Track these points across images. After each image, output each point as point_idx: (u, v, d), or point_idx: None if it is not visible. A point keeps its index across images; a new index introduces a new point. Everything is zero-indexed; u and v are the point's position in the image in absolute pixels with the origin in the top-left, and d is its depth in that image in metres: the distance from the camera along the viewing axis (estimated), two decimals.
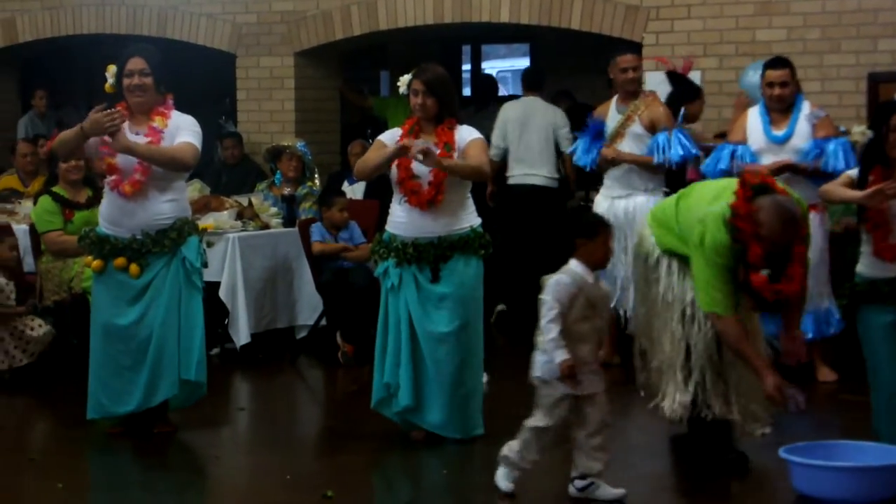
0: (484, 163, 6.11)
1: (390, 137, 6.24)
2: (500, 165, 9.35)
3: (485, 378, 6.44)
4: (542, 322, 5.22)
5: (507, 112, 9.53)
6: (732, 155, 7.38)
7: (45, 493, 5.65)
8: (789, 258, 5.28)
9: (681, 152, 7.65)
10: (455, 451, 6.11)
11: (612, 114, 7.87)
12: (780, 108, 7.34)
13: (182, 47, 11.06)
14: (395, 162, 6.10)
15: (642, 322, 6.03)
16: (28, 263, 8.29)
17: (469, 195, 6.23)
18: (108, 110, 6.10)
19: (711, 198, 5.54)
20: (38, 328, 7.72)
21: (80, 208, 8.00)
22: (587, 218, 5.64)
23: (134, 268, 6.25)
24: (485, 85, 12.02)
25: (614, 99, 7.92)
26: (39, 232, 8.00)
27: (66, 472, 5.91)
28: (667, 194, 7.75)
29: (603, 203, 7.87)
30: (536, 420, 5.30)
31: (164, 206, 6.25)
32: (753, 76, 8.06)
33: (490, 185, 9.26)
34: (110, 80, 6.34)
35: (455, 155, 6.08)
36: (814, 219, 7.13)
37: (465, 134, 6.17)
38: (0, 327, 7.60)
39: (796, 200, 5.42)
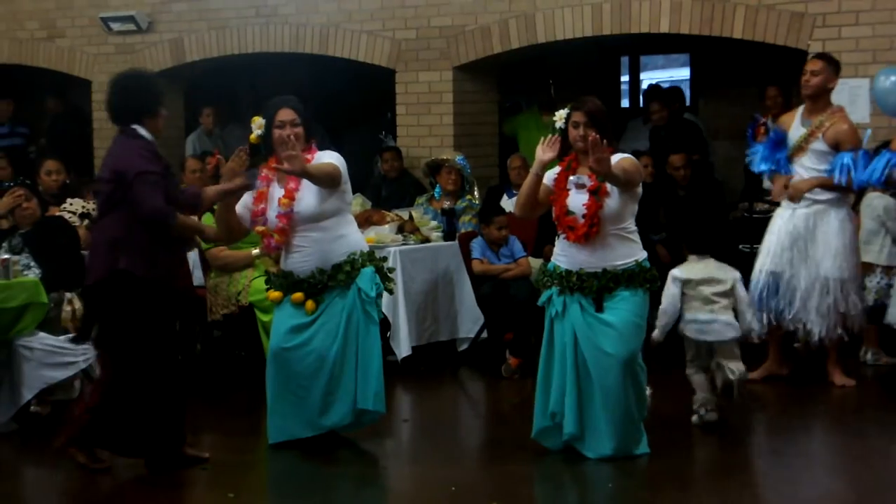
0: (624, 168, 6.00)
1: (548, 178, 6.23)
2: None
3: (648, 391, 6.36)
4: None
5: None
6: (887, 164, 7.17)
7: (217, 502, 5.76)
8: None
9: (864, 177, 7.31)
10: (621, 464, 6.05)
11: (795, 125, 7.61)
12: None
13: (343, 64, 11.24)
14: (552, 199, 6.14)
15: None
16: (197, 277, 8.50)
17: (634, 227, 6.17)
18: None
19: None
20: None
21: None
22: None
23: (310, 304, 6.35)
24: (652, 96, 11.89)
25: (800, 109, 7.67)
26: (203, 248, 8.21)
27: (236, 482, 6.02)
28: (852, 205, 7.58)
29: (783, 213, 7.68)
30: None
31: (332, 246, 6.35)
32: (885, 82, 7.80)
33: None
34: (258, 132, 6.42)
35: (607, 186, 6.04)
36: None
37: (615, 159, 6.11)
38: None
39: None
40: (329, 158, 6.35)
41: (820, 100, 7.53)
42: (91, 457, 6.10)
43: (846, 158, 7.36)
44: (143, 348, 5.92)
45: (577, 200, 6.07)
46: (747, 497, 5.79)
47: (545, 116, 11.16)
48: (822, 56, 7.68)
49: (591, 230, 6.03)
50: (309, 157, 6.35)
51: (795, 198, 7.55)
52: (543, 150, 6.05)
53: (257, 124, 6.43)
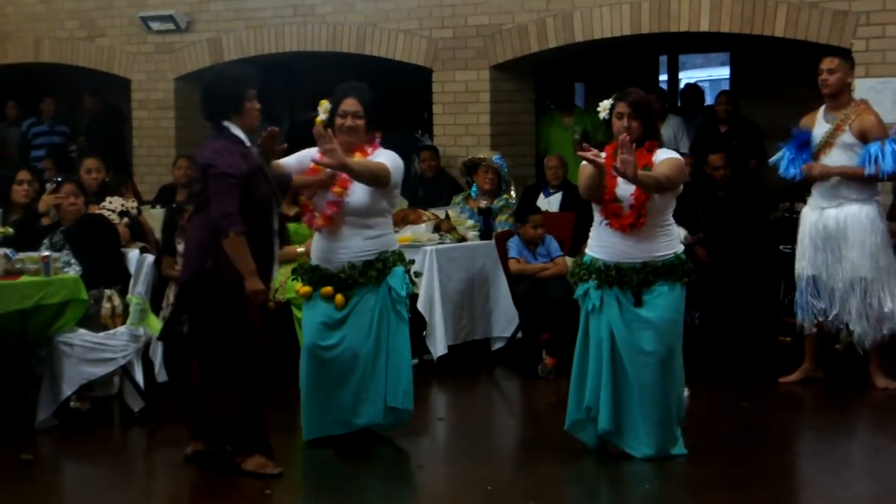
0: (666, 176, 5.94)
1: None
2: None
3: (686, 392, 6.33)
4: None
5: None
6: None
7: (254, 499, 5.78)
8: None
9: (892, 165, 7.34)
10: (658, 464, 6.02)
11: (819, 123, 7.62)
12: None
13: (380, 63, 11.24)
14: None
15: None
16: None
17: (672, 221, 6.14)
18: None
19: None
20: None
21: (289, 220, 8.21)
22: None
23: (339, 298, 6.35)
24: (691, 95, 11.90)
25: (822, 108, 7.68)
26: None
27: (274, 479, 6.02)
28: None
29: (811, 214, 7.66)
30: None
31: (367, 243, 6.35)
32: None
33: None
34: (322, 116, 6.41)
35: None
36: None
37: (662, 155, 6.09)
38: None
39: None
40: (385, 158, 6.33)
41: (841, 96, 7.55)
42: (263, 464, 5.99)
43: (873, 148, 7.37)
44: (230, 349, 5.84)
45: (624, 190, 6.00)
46: (785, 500, 5.75)
47: (565, 118, 11.16)
48: (835, 54, 7.71)
49: (639, 221, 5.98)
50: (369, 150, 6.36)
51: (822, 176, 7.53)
52: (592, 160, 5.92)
53: (324, 108, 6.43)
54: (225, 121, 5.88)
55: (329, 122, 6.35)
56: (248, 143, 5.89)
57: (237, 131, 5.87)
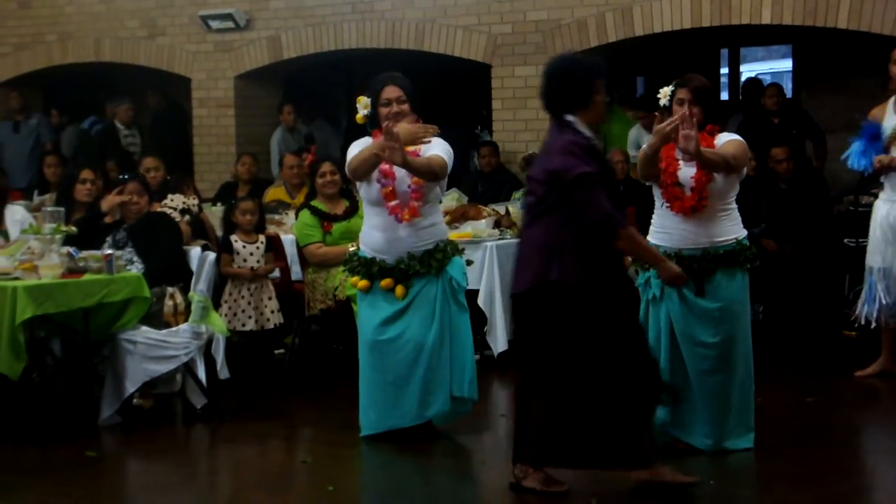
0: (733, 155, 5.90)
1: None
2: None
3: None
4: None
5: None
6: None
7: (317, 495, 5.78)
8: None
9: None
10: (721, 461, 5.96)
11: (889, 115, 7.54)
12: None
13: (438, 59, 11.23)
14: (662, 166, 6.01)
15: None
16: (295, 272, 8.56)
17: (735, 205, 6.08)
18: (423, 125, 6.16)
19: None
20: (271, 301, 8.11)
21: (338, 220, 8.22)
22: None
23: (400, 289, 6.32)
24: (751, 89, 11.77)
25: (892, 100, 7.57)
26: (300, 245, 8.26)
27: (336, 476, 6.03)
28: None
29: (882, 207, 7.58)
30: None
31: (424, 233, 6.33)
32: None
33: None
34: (363, 112, 6.36)
35: None
36: None
37: (724, 138, 6.04)
38: (242, 287, 8.06)
39: None
40: (439, 150, 6.29)
41: None
42: (546, 480, 5.62)
43: None
44: (576, 360, 5.40)
45: (685, 173, 5.97)
46: (855, 497, 5.66)
47: (628, 112, 11.09)
48: None
49: (700, 203, 5.93)
50: None
51: (887, 166, 7.45)
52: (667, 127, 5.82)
53: (363, 104, 6.37)
54: (569, 115, 5.38)
55: (372, 116, 6.33)
56: (594, 140, 5.49)
57: (582, 127, 5.42)
